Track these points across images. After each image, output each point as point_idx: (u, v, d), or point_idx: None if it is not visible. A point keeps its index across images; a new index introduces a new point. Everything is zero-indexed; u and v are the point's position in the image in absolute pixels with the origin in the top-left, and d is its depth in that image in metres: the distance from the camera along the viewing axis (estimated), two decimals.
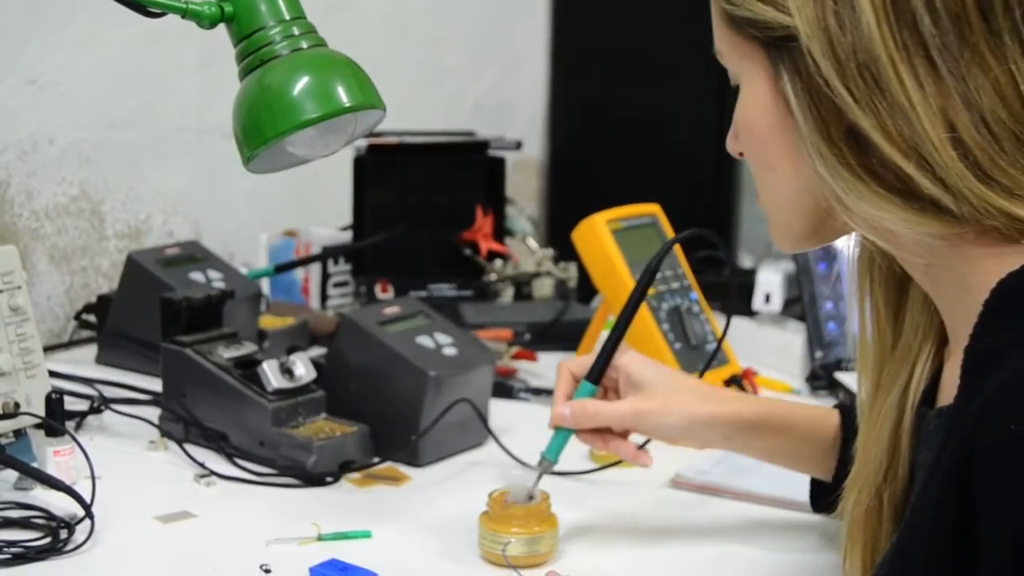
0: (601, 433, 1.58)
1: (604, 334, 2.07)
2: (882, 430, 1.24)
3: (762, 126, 1.17)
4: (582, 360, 1.61)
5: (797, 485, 1.61)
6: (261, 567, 1.48)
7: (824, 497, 1.53)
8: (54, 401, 1.68)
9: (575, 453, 1.79)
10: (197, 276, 2.09)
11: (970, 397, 1.04)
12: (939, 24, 1.06)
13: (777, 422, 1.56)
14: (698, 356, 1.98)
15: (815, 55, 1.09)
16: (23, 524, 1.55)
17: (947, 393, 1.18)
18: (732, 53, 1.19)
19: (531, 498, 1.52)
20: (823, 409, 1.59)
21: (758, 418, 1.56)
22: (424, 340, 1.81)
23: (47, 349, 1.90)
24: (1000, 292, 1.06)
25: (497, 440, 1.81)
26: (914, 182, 1.07)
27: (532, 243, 2.52)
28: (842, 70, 1.08)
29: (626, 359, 1.60)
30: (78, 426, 1.82)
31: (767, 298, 2.32)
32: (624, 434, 1.59)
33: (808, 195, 1.16)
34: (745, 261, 2.92)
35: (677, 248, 2.08)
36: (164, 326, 1.85)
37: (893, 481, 1.23)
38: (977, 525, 1.01)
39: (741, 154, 1.23)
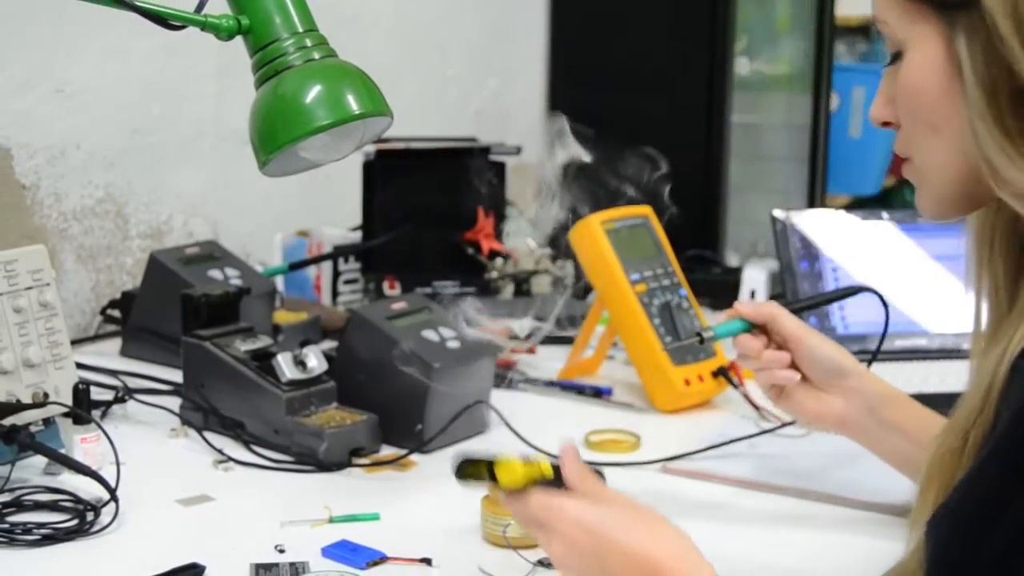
0: (761, 344, 1.55)
1: (600, 328, 2.08)
2: (982, 380, 1.21)
3: (931, 89, 1.14)
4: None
5: (775, 471, 1.60)
6: (276, 547, 1.48)
7: None
8: (81, 391, 1.68)
9: (575, 438, 1.79)
10: (215, 274, 2.09)
11: None
12: None
13: (909, 408, 1.54)
14: (686, 349, 1.98)
15: (996, 15, 1.06)
16: (52, 507, 1.56)
17: None
18: (901, 19, 1.15)
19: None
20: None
21: (898, 400, 1.53)
22: (429, 334, 1.81)
23: (74, 342, 1.89)
24: None
25: (506, 422, 1.81)
26: None
27: (531, 242, 2.52)
28: (1020, 33, 1.05)
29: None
30: (103, 415, 1.82)
31: (752, 294, 2.32)
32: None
33: (964, 161, 1.14)
34: (731, 260, 2.92)
35: (668, 247, 2.08)
36: (184, 321, 1.85)
37: (981, 425, 1.20)
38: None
39: (887, 124, 1.21)
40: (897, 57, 1.17)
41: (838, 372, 1.54)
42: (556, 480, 1.23)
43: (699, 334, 1.53)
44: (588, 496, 1.22)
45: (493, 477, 1.23)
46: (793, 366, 1.55)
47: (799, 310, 1.60)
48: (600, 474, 1.32)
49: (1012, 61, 1.06)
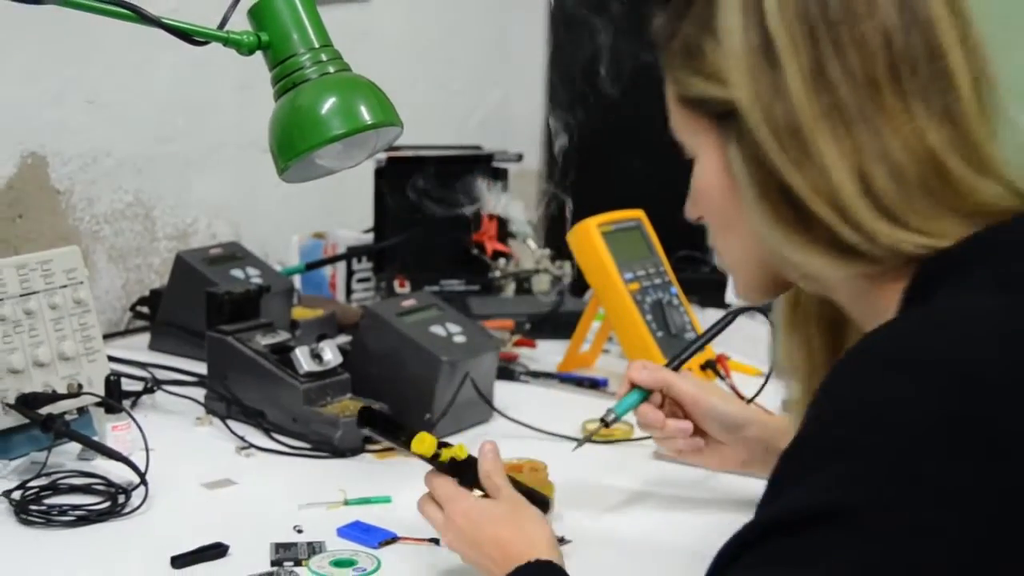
0: (662, 414, 1.54)
1: (596, 324, 2.08)
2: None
3: (716, 192, 1.18)
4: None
5: None
6: (294, 528, 1.48)
7: None
8: (112, 382, 1.68)
9: (572, 427, 1.80)
10: (237, 273, 2.10)
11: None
12: (856, 90, 1.08)
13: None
14: (678, 343, 1.98)
15: (753, 124, 1.10)
16: (86, 490, 1.56)
17: None
18: (686, 129, 1.20)
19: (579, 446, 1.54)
20: None
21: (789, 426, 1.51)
22: (437, 329, 1.81)
23: (106, 337, 1.90)
24: (867, 343, 1.06)
25: (503, 413, 1.82)
26: (835, 231, 1.08)
27: (532, 244, 2.52)
28: (775, 136, 1.09)
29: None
30: (133, 404, 1.83)
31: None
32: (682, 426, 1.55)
33: (758, 252, 1.17)
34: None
35: (659, 248, 2.09)
36: (209, 317, 1.85)
37: None
38: None
39: (700, 218, 1.24)
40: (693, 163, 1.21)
41: (735, 427, 1.54)
42: (467, 464, 1.36)
43: (603, 419, 1.53)
44: (488, 491, 1.35)
45: (408, 443, 1.35)
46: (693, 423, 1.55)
47: (682, 362, 1.59)
48: (543, 500, 1.46)
49: (773, 162, 1.09)
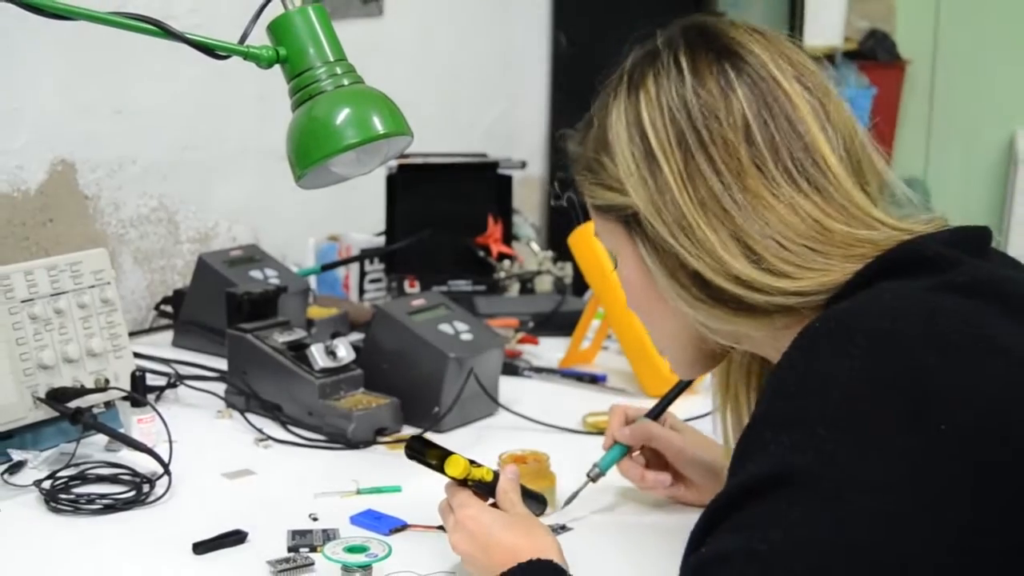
0: (642, 469, 1.55)
1: (595, 323, 2.08)
2: None
3: (636, 285, 1.25)
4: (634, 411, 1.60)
5: None
6: (310, 516, 1.48)
7: None
8: (138, 378, 1.68)
9: (573, 420, 1.79)
10: (256, 274, 2.10)
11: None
12: (724, 180, 1.15)
13: None
14: None
15: (650, 222, 1.18)
16: (112, 480, 1.56)
17: None
18: (604, 233, 1.27)
19: (568, 502, 1.53)
20: None
21: None
22: (445, 327, 1.81)
23: (131, 334, 1.90)
24: (805, 328, 1.10)
25: (507, 407, 1.81)
26: (743, 298, 1.15)
27: (535, 246, 2.52)
28: (668, 230, 1.17)
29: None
30: (158, 398, 1.83)
31: None
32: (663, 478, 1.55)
33: (684, 330, 1.24)
34: None
35: None
36: (229, 315, 1.85)
37: None
38: None
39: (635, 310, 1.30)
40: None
41: (714, 474, 1.53)
42: (491, 485, 1.36)
43: (588, 475, 1.53)
44: (502, 505, 1.35)
45: (441, 466, 1.36)
46: (672, 469, 1.55)
47: (659, 413, 1.57)
48: (540, 499, 1.47)
49: (673, 252, 1.17)
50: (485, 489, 1.36)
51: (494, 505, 1.36)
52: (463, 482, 1.36)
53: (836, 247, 1.14)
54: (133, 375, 1.68)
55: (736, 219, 1.15)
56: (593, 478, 1.54)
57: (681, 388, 1.58)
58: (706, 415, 1.69)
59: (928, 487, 0.99)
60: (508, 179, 2.48)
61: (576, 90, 3.34)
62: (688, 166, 1.17)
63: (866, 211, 1.16)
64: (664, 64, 1.22)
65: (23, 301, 1.61)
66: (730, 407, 1.36)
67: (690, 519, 1.49)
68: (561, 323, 2.19)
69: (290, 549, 1.39)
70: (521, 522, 1.32)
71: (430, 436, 1.74)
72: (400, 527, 1.46)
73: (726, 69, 1.19)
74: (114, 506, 1.50)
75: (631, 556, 1.44)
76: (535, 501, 1.43)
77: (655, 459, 1.56)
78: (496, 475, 1.37)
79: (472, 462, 1.36)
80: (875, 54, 4.57)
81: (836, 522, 0.98)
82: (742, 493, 1.03)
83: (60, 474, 1.55)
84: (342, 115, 1.37)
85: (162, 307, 2.27)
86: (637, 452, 1.56)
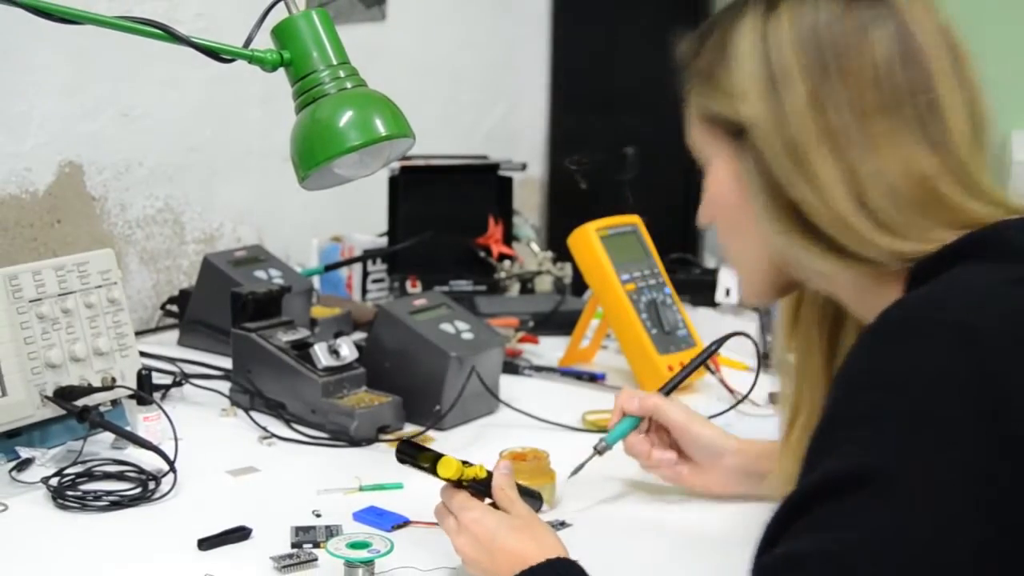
0: (649, 445, 1.55)
1: (594, 322, 2.08)
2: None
3: (728, 202, 1.21)
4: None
5: None
6: (313, 512, 1.48)
7: None
8: (144, 376, 1.68)
9: (572, 418, 1.79)
10: (260, 274, 2.09)
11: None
12: (849, 118, 1.12)
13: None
14: (670, 340, 1.98)
15: (761, 143, 1.15)
16: (119, 477, 1.56)
17: None
18: (702, 142, 1.23)
19: (574, 474, 1.53)
20: None
21: (772, 454, 1.47)
22: (446, 326, 1.81)
23: (138, 334, 1.90)
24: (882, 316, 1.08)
25: (509, 404, 1.81)
26: (838, 241, 1.12)
27: (535, 247, 2.52)
28: (779, 155, 1.13)
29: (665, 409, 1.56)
30: (163, 397, 1.82)
31: (727, 292, 2.32)
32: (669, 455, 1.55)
33: (766, 257, 1.21)
34: (709, 262, 2.91)
35: (654, 252, 2.08)
36: (233, 315, 1.85)
37: None
38: None
39: (711, 223, 1.26)
40: (706, 172, 1.24)
41: (716, 453, 1.54)
42: (486, 482, 1.34)
43: (595, 448, 1.53)
44: (500, 503, 1.33)
45: (434, 468, 1.33)
46: (676, 447, 1.55)
47: (672, 389, 1.59)
48: (536, 495, 1.45)
49: (779, 177, 1.14)
50: (481, 487, 1.35)
51: (492, 504, 1.35)
52: (458, 483, 1.35)
53: (942, 212, 1.12)
54: (139, 374, 1.68)
55: (853, 159, 1.12)
56: (600, 451, 1.54)
57: (691, 369, 1.58)
58: (715, 415, 1.69)
59: (1003, 492, 0.97)
60: (508, 181, 2.48)
61: (575, 93, 3.34)
62: (816, 94, 1.13)
63: (978, 180, 1.14)
64: None
65: (31, 301, 1.61)
66: (800, 347, 1.32)
67: (688, 517, 1.50)
68: (561, 322, 2.18)
69: (294, 545, 1.39)
70: (525, 524, 1.30)
71: (431, 434, 1.74)
72: (402, 523, 1.46)
73: (872, 6, 1.14)
74: (120, 503, 1.50)
75: (630, 553, 1.44)
76: (531, 498, 1.42)
77: (660, 442, 1.55)
78: (489, 473, 1.36)
79: (464, 462, 1.35)
80: None
81: (911, 525, 0.97)
82: (817, 492, 1.01)
83: (67, 471, 1.55)
84: (345, 117, 1.37)
85: (168, 307, 2.27)
86: (644, 431, 1.55)
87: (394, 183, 2.41)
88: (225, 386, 1.87)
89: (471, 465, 1.35)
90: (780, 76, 1.14)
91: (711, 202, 1.24)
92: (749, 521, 1.49)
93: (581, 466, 1.53)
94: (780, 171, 1.14)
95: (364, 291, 2.40)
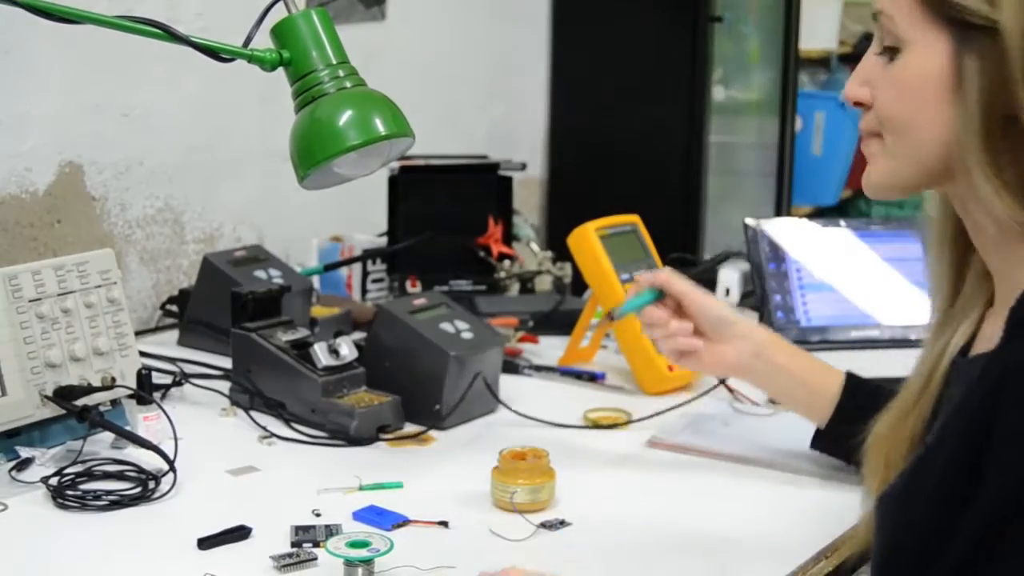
0: (668, 314, 1.58)
1: (594, 321, 2.07)
2: (923, 367, 1.23)
3: (926, 92, 1.11)
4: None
5: (746, 444, 1.61)
6: (313, 511, 1.48)
7: (823, 439, 1.58)
8: (143, 376, 1.68)
9: (572, 417, 1.79)
10: (260, 274, 2.09)
11: (1008, 349, 1.04)
12: None
13: (788, 350, 1.59)
14: None
15: (1012, 50, 1.04)
16: (118, 476, 1.56)
17: (982, 345, 1.19)
18: (911, 20, 1.11)
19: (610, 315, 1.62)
20: (834, 369, 1.59)
21: (780, 345, 1.59)
22: (446, 326, 1.81)
23: (137, 334, 1.90)
24: None
25: (507, 405, 1.81)
26: None
27: (534, 247, 2.52)
28: None
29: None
30: (163, 396, 1.82)
31: (727, 291, 2.32)
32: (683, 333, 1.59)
33: (937, 157, 1.12)
34: None
35: (653, 251, 2.08)
36: (233, 314, 1.85)
37: (919, 412, 1.22)
38: (988, 460, 1.01)
39: (859, 104, 1.17)
40: (892, 51, 1.13)
41: (725, 322, 1.57)
42: None
43: (609, 314, 1.56)
44: None
45: None
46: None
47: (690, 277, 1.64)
48: None
49: (1015, 90, 1.05)
50: None
51: None
52: None
53: None
54: (139, 373, 1.68)
55: None
56: (614, 317, 1.59)
57: (718, 260, 1.61)
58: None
59: None
60: (508, 180, 2.48)
61: (574, 94, 3.34)
62: None
63: None
64: None
65: (31, 300, 1.61)
66: (937, 268, 1.25)
67: (688, 517, 1.50)
68: (560, 322, 2.18)
69: (293, 544, 1.39)
70: None
71: (432, 433, 1.74)
72: (402, 522, 1.46)
73: None
74: (120, 502, 1.50)
75: (629, 552, 1.44)
76: None
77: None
78: None
79: None
80: None
81: None
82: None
83: (67, 471, 1.55)
84: (345, 117, 1.37)
85: (168, 307, 2.27)
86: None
87: (394, 183, 2.41)
88: (225, 386, 1.87)
89: None
90: None
91: (896, 87, 1.13)
92: (749, 521, 1.50)
93: (609, 315, 1.59)
94: (1018, 87, 1.04)
95: (364, 291, 2.40)
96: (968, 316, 1.22)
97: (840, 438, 1.48)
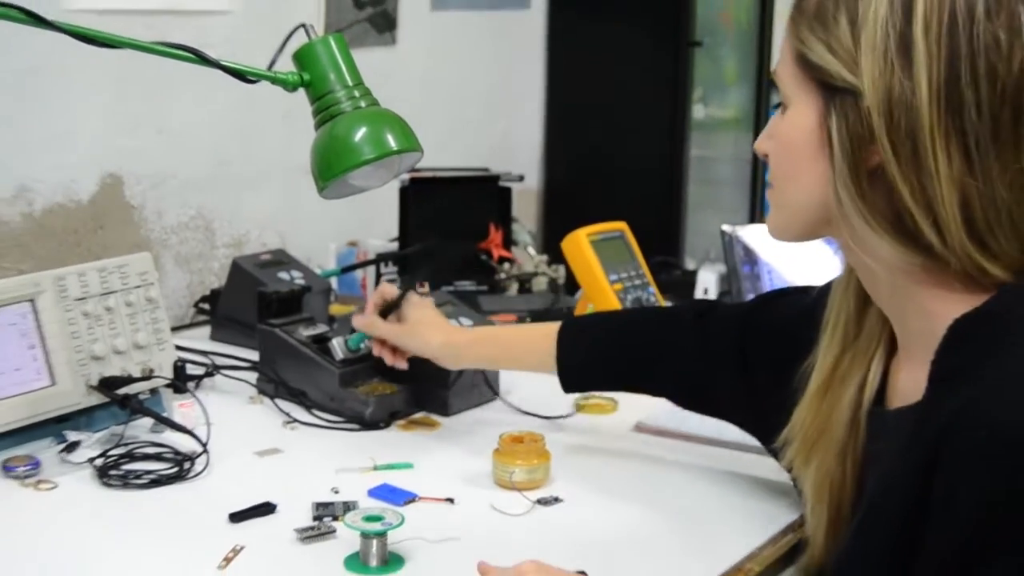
0: (387, 347, 1.70)
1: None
2: (840, 415, 1.17)
3: (800, 146, 1.08)
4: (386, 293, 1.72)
5: (726, 428, 1.61)
6: (332, 489, 1.49)
7: (570, 382, 1.60)
8: (179, 368, 1.69)
9: (565, 405, 1.79)
10: (283, 275, 2.10)
11: (938, 403, 0.99)
12: (980, 120, 0.98)
13: (500, 338, 1.67)
14: None
15: (871, 110, 1.00)
16: (157, 457, 1.57)
17: (897, 396, 1.14)
18: (791, 82, 1.09)
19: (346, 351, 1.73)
20: (544, 326, 1.63)
21: (480, 337, 1.66)
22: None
23: (173, 329, 1.90)
24: (957, 326, 1.00)
25: (503, 399, 1.82)
26: (919, 228, 1.01)
27: (531, 251, 2.52)
28: (890, 129, 1.00)
29: (409, 307, 1.68)
30: (197, 386, 1.83)
31: (705, 291, 2.32)
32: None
33: (817, 208, 1.09)
34: (689, 264, 2.92)
35: (639, 254, 2.09)
36: (259, 312, 1.85)
37: (852, 456, 1.17)
38: (931, 511, 0.97)
39: (766, 156, 1.15)
40: (784, 108, 1.12)
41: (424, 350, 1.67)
42: None
43: (347, 346, 1.74)
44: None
45: None
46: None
47: (389, 311, 1.71)
48: None
49: (879, 152, 1.01)
50: None
51: None
52: None
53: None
54: (175, 365, 1.69)
55: (970, 160, 0.98)
56: (351, 348, 1.73)
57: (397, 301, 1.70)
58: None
59: None
60: (508, 191, 2.48)
61: (567, 113, 3.34)
62: (949, 85, 0.98)
63: None
64: None
65: (76, 300, 1.62)
66: (842, 309, 1.19)
67: (674, 492, 1.50)
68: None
69: (314, 518, 1.40)
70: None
71: (437, 418, 1.74)
72: (412, 499, 1.46)
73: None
74: (159, 481, 1.50)
75: (618, 525, 1.44)
76: None
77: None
78: None
79: None
80: None
81: None
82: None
83: (111, 453, 1.55)
84: (360, 133, 1.37)
85: (200, 305, 2.27)
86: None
87: (404, 193, 2.42)
88: (252, 376, 1.87)
89: None
90: (913, 54, 0.98)
91: (782, 141, 1.10)
92: (724, 497, 1.50)
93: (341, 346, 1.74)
94: (882, 148, 1.00)
95: None
96: (869, 362, 1.17)
97: (581, 369, 1.56)
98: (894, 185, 1.00)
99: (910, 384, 1.09)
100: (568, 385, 1.60)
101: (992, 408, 0.94)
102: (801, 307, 1.34)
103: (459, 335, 1.67)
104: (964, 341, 1.00)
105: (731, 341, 1.42)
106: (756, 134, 3.16)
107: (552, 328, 1.60)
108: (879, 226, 1.02)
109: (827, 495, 1.20)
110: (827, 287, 1.26)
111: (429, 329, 1.66)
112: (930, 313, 1.06)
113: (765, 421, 1.33)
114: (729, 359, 1.42)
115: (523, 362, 1.64)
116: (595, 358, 1.56)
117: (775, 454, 1.35)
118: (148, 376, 1.65)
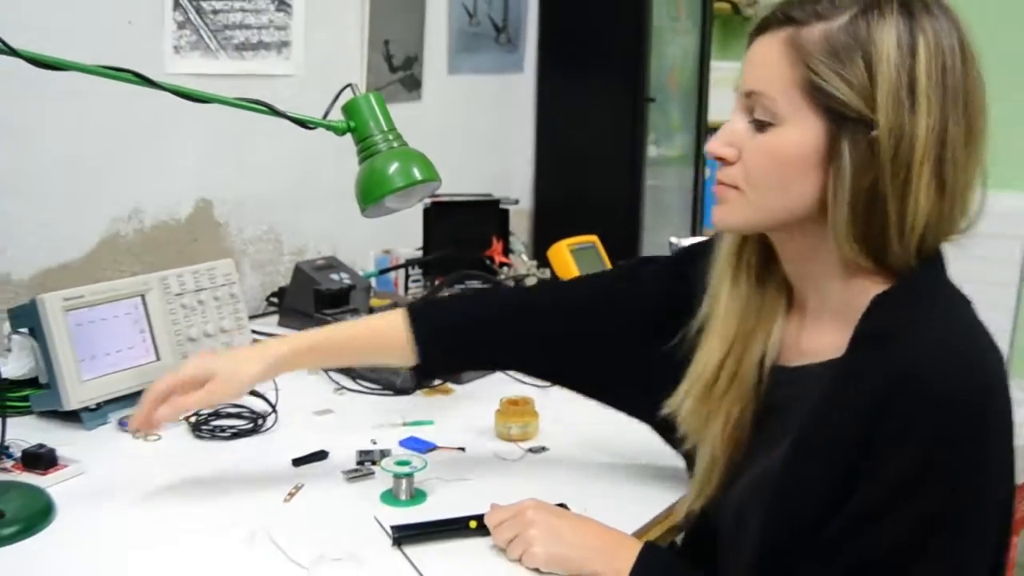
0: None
1: None
2: (748, 369, 1.05)
3: (794, 161, 0.94)
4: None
5: None
6: (371, 440, 1.48)
7: (423, 377, 1.40)
8: None
9: None
10: (334, 276, 2.09)
11: (868, 361, 0.90)
12: (955, 153, 0.92)
13: (335, 343, 1.26)
14: None
15: (882, 140, 0.90)
16: (237, 416, 1.56)
17: (796, 353, 1.05)
18: (788, 104, 0.94)
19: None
20: (388, 316, 1.28)
21: (309, 347, 1.25)
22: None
23: (250, 318, 1.89)
24: (880, 299, 0.94)
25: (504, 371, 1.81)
26: (887, 241, 0.93)
27: (524, 258, 2.51)
28: (891, 163, 0.91)
29: (191, 364, 1.22)
30: None
31: None
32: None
33: (795, 213, 0.97)
34: None
35: (607, 261, 2.08)
36: (316, 305, 1.85)
37: (752, 405, 1.07)
38: (872, 449, 0.88)
39: (721, 159, 1.00)
40: (762, 124, 0.96)
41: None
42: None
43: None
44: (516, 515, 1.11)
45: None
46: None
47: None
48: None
49: (872, 170, 0.92)
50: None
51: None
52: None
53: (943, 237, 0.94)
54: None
55: (946, 191, 0.91)
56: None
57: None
58: None
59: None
60: (506, 212, 2.48)
61: (552, 151, 3.33)
62: (942, 123, 0.90)
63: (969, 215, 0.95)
64: (932, 11, 0.92)
65: (176, 295, 1.61)
66: (736, 281, 1.07)
67: (643, 447, 1.48)
68: None
69: (358, 463, 1.40)
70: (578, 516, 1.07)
71: (451, 385, 1.74)
72: (433, 448, 1.46)
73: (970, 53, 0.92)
74: (238, 434, 1.50)
75: (598, 471, 1.43)
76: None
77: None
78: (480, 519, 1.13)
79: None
80: None
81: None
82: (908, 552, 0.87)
83: (201, 413, 1.55)
84: (393, 167, 1.36)
85: (270, 299, 2.27)
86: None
87: (427, 213, 2.41)
88: None
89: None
90: (917, 94, 0.90)
91: (769, 155, 0.95)
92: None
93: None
94: (885, 177, 0.91)
95: (406, 288, 2.40)
96: (771, 327, 1.06)
97: (438, 334, 1.25)
98: (883, 205, 0.91)
99: (814, 344, 1.01)
100: (427, 358, 1.27)
101: (927, 375, 0.87)
102: (665, 276, 1.18)
103: (274, 349, 1.26)
104: (887, 310, 0.93)
105: (609, 316, 1.21)
106: (696, 168, 3.18)
107: (392, 315, 1.28)
108: (852, 235, 0.93)
109: (732, 441, 1.08)
110: (687, 252, 1.15)
111: (242, 366, 1.21)
112: (852, 291, 0.98)
113: (648, 396, 1.15)
114: (609, 336, 1.21)
115: (368, 354, 1.28)
116: (452, 323, 1.26)
117: (661, 428, 1.20)
118: None
